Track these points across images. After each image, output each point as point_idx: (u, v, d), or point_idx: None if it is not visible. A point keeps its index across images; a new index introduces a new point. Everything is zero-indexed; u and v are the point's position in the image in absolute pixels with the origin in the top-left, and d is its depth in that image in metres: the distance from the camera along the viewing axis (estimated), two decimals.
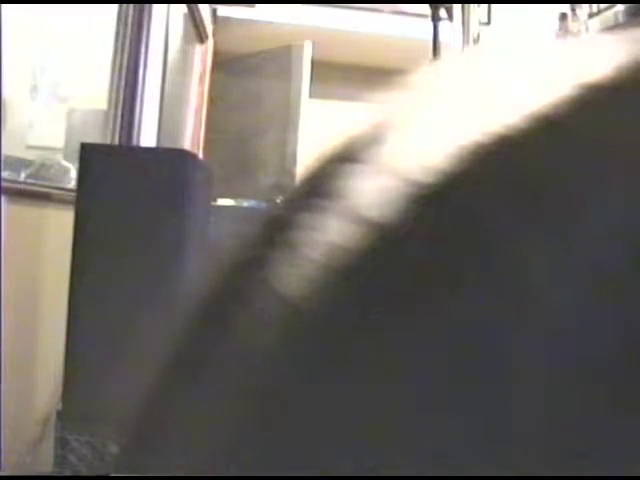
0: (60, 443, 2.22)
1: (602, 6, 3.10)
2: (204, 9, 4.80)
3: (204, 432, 0.29)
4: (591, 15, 3.15)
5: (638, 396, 0.23)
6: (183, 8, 4.38)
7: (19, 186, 2.80)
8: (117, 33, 3.24)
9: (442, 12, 3.07)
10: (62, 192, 2.88)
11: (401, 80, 0.32)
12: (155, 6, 3.32)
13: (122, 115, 3.18)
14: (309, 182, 0.32)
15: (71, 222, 2.28)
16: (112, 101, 3.21)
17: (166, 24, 3.58)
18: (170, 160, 2.40)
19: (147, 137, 3.30)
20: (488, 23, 4.69)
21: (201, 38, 5.00)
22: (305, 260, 0.27)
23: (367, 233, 0.27)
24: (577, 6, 3.19)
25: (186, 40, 4.66)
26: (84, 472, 2.17)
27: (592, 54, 0.29)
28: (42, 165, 3.07)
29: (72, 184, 2.84)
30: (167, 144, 3.92)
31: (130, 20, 3.23)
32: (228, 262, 0.33)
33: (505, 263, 0.25)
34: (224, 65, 5.27)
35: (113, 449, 2.11)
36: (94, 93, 3.38)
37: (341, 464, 0.25)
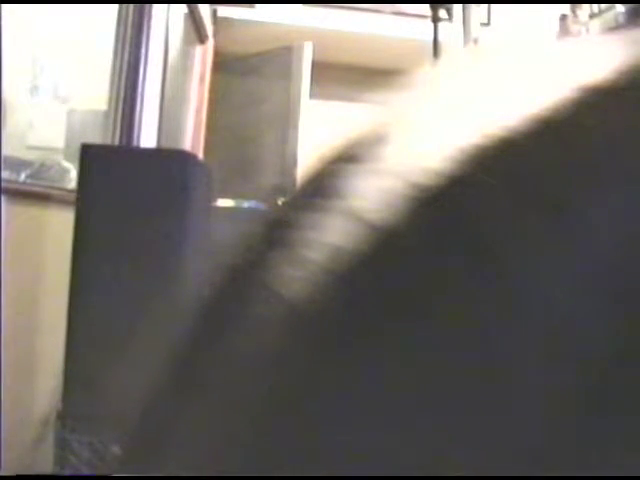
0: (60, 443, 2.22)
1: (603, 7, 3.11)
2: (204, 9, 4.80)
3: (205, 433, 0.29)
4: (592, 16, 3.15)
5: (637, 396, 0.23)
6: (183, 8, 4.38)
7: (19, 186, 2.81)
8: (117, 33, 3.24)
9: (442, 13, 3.07)
10: (62, 192, 2.88)
11: (401, 81, 0.32)
12: (155, 6, 3.32)
13: (122, 116, 3.18)
14: (309, 183, 0.32)
15: (71, 222, 2.28)
16: (112, 101, 3.21)
17: (166, 24, 3.58)
18: (170, 161, 2.40)
19: (147, 138, 3.30)
20: (488, 24, 4.70)
21: (201, 38, 5.00)
22: (305, 261, 0.27)
23: (367, 234, 0.27)
24: (577, 7, 3.20)
25: (186, 40, 4.66)
26: (84, 472, 2.17)
27: (592, 55, 0.30)
28: (42, 165, 3.07)
29: (72, 185, 2.84)
30: (167, 145, 3.92)
31: (130, 20, 3.23)
32: (228, 263, 0.33)
33: (505, 265, 0.25)
34: (224, 66, 5.27)
35: (113, 449, 2.11)
36: (94, 93, 3.38)
37: (342, 464, 0.25)
